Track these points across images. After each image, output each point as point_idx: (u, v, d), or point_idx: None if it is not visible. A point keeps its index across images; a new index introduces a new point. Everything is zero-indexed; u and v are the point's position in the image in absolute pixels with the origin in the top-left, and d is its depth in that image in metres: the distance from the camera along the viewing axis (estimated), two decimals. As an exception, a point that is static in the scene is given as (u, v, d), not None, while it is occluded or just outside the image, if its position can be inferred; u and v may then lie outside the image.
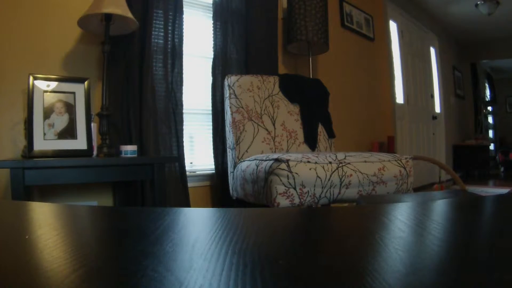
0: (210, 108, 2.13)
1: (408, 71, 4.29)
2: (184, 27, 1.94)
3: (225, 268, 0.26)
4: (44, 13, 1.59)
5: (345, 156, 1.56)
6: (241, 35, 2.24)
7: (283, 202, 1.42)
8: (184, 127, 1.93)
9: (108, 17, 1.52)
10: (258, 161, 1.61)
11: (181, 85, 1.92)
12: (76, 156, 1.41)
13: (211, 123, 2.12)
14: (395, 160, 1.67)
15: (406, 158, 1.72)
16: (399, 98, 4.07)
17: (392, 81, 3.93)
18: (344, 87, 3.19)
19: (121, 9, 1.48)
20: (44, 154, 1.36)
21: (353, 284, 0.23)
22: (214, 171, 2.11)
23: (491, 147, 6.97)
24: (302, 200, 1.44)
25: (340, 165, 1.50)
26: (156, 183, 1.50)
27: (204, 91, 2.19)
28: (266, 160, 1.54)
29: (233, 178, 1.89)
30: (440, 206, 0.53)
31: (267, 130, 1.98)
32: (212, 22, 2.14)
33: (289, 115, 2.10)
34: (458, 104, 6.09)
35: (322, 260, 0.29)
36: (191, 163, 2.12)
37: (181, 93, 1.92)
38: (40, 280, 0.24)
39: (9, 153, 1.48)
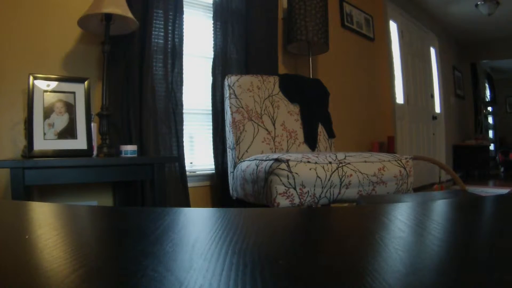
0: (210, 108, 2.13)
1: (408, 71, 4.29)
2: (184, 27, 1.94)
3: (225, 268, 0.26)
4: (44, 13, 1.59)
5: (345, 156, 1.56)
6: (241, 35, 2.24)
7: (283, 202, 1.42)
8: (184, 127, 1.93)
9: (108, 17, 1.52)
10: (258, 161, 1.61)
11: (181, 85, 1.92)
12: (76, 156, 1.41)
13: (211, 123, 2.12)
14: (395, 160, 1.67)
15: (406, 158, 1.72)
16: (399, 98, 4.07)
17: (392, 81, 3.93)
18: (344, 87, 3.19)
19: (121, 9, 1.48)
20: (44, 154, 1.36)
21: (353, 284, 0.23)
22: (214, 171, 2.11)
23: (491, 147, 6.96)
24: (302, 200, 1.44)
25: (340, 165, 1.50)
26: (156, 183, 1.50)
27: (204, 91, 2.19)
28: (266, 160, 1.54)
29: (233, 178, 1.89)
30: (440, 206, 0.53)
31: (267, 130, 1.98)
32: (212, 22, 2.14)
33: (289, 115, 2.10)
34: (458, 104, 6.09)
35: (322, 260, 0.29)
36: (191, 163, 2.12)
37: (181, 93, 1.92)
38: (40, 280, 0.24)
39: (9, 153, 1.48)
